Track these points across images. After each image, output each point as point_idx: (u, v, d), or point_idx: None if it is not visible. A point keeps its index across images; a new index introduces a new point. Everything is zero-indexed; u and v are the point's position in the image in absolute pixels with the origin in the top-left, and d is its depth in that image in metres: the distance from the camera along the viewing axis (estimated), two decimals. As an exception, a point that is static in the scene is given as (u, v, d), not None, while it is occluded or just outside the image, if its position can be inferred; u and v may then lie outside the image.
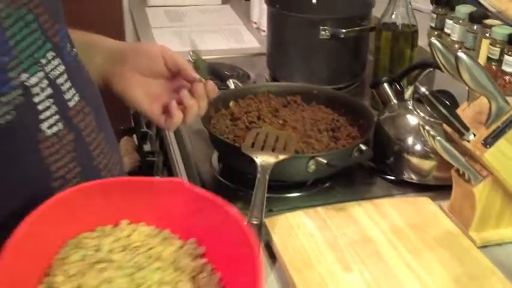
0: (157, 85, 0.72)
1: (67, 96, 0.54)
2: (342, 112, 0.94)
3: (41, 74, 0.51)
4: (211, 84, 0.71)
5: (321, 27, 1.10)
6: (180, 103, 0.69)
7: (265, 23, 1.47)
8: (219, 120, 0.92)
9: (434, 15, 1.13)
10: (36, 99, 0.51)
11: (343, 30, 1.09)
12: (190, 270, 0.49)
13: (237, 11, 1.66)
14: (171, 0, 1.68)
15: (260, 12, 1.50)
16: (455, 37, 1.07)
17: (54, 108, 0.52)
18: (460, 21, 1.05)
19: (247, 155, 0.77)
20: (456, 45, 1.07)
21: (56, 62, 0.54)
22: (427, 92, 0.78)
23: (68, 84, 0.55)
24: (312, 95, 0.99)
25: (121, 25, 1.76)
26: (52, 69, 0.53)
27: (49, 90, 0.52)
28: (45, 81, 0.52)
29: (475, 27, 1.02)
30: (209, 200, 0.53)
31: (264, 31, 1.48)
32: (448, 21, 1.09)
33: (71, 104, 0.55)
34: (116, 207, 0.52)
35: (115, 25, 1.76)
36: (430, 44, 0.68)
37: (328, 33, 1.10)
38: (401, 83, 0.91)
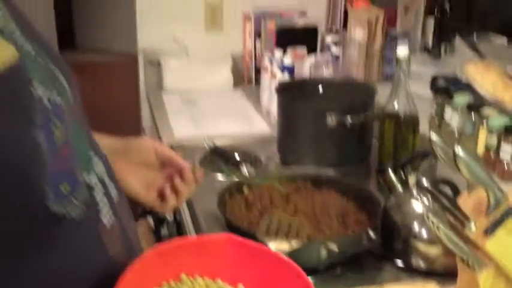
0: (151, 174, 0.80)
1: (111, 190, 0.61)
2: (351, 197, 0.99)
3: (93, 173, 0.58)
4: (200, 171, 0.80)
5: (328, 115, 1.17)
6: (172, 188, 0.78)
7: (275, 107, 1.56)
8: (234, 206, 0.98)
9: (434, 104, 1.20)
10: (96, 195, 0.57)
11: (349, 119, 1.16)
12: None
13: (248, 96, 1.75)
14: (185, 84, 1.78)
15: (270, 97, 1.59)
16: (454, 125, 1.13)
17: (107, 203, 0.58)
18: (459, 110, 1.12)
19: (262, 241, 0.81)
20: (456, 133, 1.13)
21: (96, 159, 0.60)
22: (428, 185, 0.83)
23: (108, 179, 0.61)
24: (322, 180, 1.04)
25: (138, 110, 1.85)
26: (97, 168, 0.59)
27: (100, 186, 0.58)
28: (96, 179, 0.58)
29: (473, 116, 1.08)
30: (260, 250, 0.62)
31: (273, 116, 1.56)
32: (447, 110, 1.16)
33: (114, 196, 0.61)
34: (174, 266, 0.61)
35: (132, 110, 1.85)
36: (430, 140, 0.74)
37: (334, 121, 1.17)
38: (406, 170, 0.97)
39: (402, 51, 1.06)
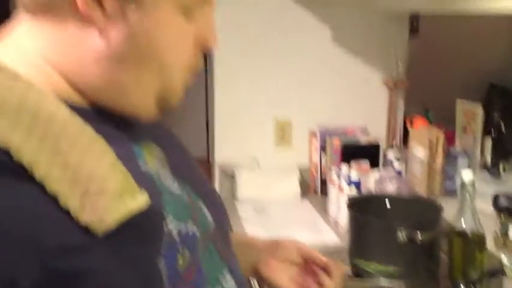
0: (295, 269, 0.90)
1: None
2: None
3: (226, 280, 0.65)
4: (343, 267, 0.92)
5: (398, 231, 1.28)
6: (318, 283, 0.87)
7: (342, 217, 1.68)
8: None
9: (498, 222, 1.29)
10: None
11: (420, 236, 1.26)
12: None
13: (315, 205, 1.88)
14: (256, 194, 1.93)
15: (338, 208, 1.71)
16: (520, 243, 1.21)
17: None
18: (523, 230, 1.20)
19: None
20: (521, 250, 1.21)
21: (228, 276, 0.66)
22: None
23: None
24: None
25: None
26: (228, 284, 0.65)
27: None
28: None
29: (537, 235, 1.17)
30: None
31: (341, 226, 1.67)
32: (511, 228, 1.24)
33: None
34: None
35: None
36: (500, 260, 0.83)
37: (405, 237, 1.27)
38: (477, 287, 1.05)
39: (467, 175, 1.17)
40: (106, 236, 0.51)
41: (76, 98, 0.57)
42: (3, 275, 0.46)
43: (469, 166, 1.67)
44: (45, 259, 0.48)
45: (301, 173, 1.99)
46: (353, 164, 1.80)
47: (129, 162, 0.56)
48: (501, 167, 1.63)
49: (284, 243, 0.92)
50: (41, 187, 0.49)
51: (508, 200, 1.37)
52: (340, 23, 2.01)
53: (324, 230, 1.68)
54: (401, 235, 1.28)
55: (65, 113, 0.53)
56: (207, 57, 4.90)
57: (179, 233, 0.58)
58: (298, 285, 0.88)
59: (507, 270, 0.80)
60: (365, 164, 1.85)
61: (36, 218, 0.48)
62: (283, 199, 1.93)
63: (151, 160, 0.63)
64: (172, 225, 0.58)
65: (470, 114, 1.78)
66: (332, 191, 1.75)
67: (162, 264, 0.55)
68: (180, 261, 0.57)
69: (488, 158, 1.71)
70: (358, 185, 1.66)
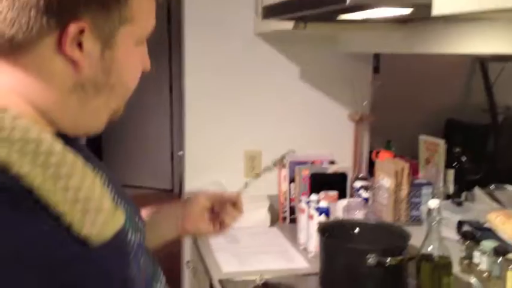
0: (209, 213, 1.09)
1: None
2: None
3: (159, 281, 0.80)
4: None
5: (369, 256, 1.32)
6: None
7: (311, 245, 1.71)
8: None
9: (464, 247, 1.35)
10: None
11: (388, 260, 1.30)
12: None
13: (284, 233, 1.90)
14: (226, 223, 1.94)
15: (307, 235, 1.74)
16: (483, 267, 1.27)
17: None
18: (486, 254, 1.26)
19: None
20: (485, 274, 1.26)
21: (159, 271, 0.82)
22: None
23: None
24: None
25: (179, 246, 1.99)
26: (162, 278, 0.81)
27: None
28: (160, 284, 0.80)
29: (499, 260, 1.23)
30: None
31: (311, 252, 1.70)
32: (476, 253, 1.30)
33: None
34: None
35: (175, 244, 1.98)
36: (472, 284, 0.88)
37: (374, 261, 1.31)
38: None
39: (434, 203, 1.23)
40: (96, 248, 0.60)
41: (48, 128, 0.66)
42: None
43: (433, 195, 1.74)
44: (53, 272, 0.56)
45: (271, 202, 2.02)
46: (321, 193, 1.85)
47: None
48: (463, 196, 1.70)
49: (193, 197, 1.10)
50: (45, 209, 0.57)
51: (471, 226, 1.43)
52: (307, 60, 2.09)
53: (295, 257, 1.70)
54: (372, 259, 1.32)
55: (60, 145, 0.61)
56: (172, 88, 4.88)
57: (134, 241, 0.73)
58: (214, 223, 1.09)
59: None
60: (333, 193, 1.90)
61: (43, 235, 0.56)
62: (253, 227, 1.95)
63: (102, 179, 0.70)
64: (131, 237, 0.72)
65: (432, 147, 1.87)
66: (302, 218, 1.78)
67: (133, 268, 0.68)
68: (141, 264, 0.72)
69: (451, 188, 1.78)
70: (327, 212, 1.70)
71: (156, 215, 1.07)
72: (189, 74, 2.03)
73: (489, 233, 1.36)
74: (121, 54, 0.67)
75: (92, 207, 0.60)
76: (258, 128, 2.08)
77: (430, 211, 1.24)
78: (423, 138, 1.93)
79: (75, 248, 0.58)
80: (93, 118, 0.70)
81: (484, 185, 1.72)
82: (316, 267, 1.51)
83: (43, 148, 0.58)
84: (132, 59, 0.70)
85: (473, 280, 0.86)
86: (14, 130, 0.58)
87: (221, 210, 1.10)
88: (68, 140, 0.66)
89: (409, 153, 2.00)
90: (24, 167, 0.56)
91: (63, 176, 0.59)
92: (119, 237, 0.64)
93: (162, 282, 0.82)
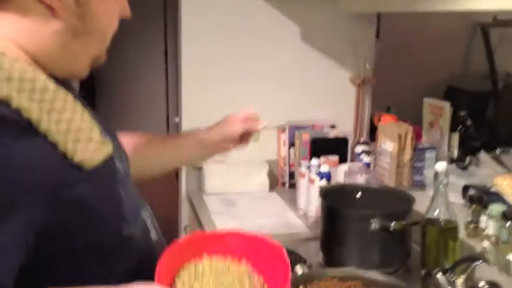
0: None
1: (154, 222, 0.92)
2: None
3: (144, 211, 0.88)
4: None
5: (372, 221, 1.28)
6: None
7: (312, 209, 1.67)
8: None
9: (470, 211, 1.31)
10: (148, 225, 0.88)
11: (392, 224, 1.26)
12: (247, 275, 0.83)
13: (284, 198, 1.87)
14: (224, 188, 1.90)
15: (307, 200, 1.70)
16: (490, 231, 1.23)
17: (152, 228, 0.89)
18: (494, 219, 1.22)
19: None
20: (492, 239, 1.23)
21: (143, 204, 0.90)
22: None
23: (150, 218, 0.91)
24: (371, 281, 1.12)
25: (177, 211, 1.96)
26: (146, 209, 0.90)
27: (150, 220, 0.89)
28: (146, 214, 0.88)
29: (507, 224, 1.19)
30: (255, 238, 0.88)
31: (311, 217, 1.67)
32: (483, 217, 1.26)
33: (155, 225, 0.91)
34: (198, 250, 0.85)
35: (172, 210, 1.95)
36: (483, 247, 0.84)
37: (377, 226, 1.27)
38: (453, 273, 1.05)
39: (441, 166, 1.18)
40: (91, 171, 0.72)
41: (40, 70, 0.73)
42: (24, 208, 0.65)
43: (437, 160, 1.70)
44: (54, 192, 0.67)
45: (270, 167, 1.97)
46: (322, 158, 1.80)
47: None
48: (468, 161, 1.66)
49: (227, 119, 1.19)
50: (44, 138, 0.67)
51: (477, 190, 1.39)
52: (308, 21, 2.01)
53: (294, 222, 1.67)
54: (375, 224, 1.28)
55: (52, 83, 0.71)
56: (167, 51, 4.76)
57: (122, 169, 0.83)
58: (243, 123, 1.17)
59: (490, 257, 0.81)
60: (334, 158, 1.86)
61: (45, 160, 0.67)
62: (252, 192, 1.91)
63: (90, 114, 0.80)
64: (118, 164, 0.81)
65: (437, 110, 1.81)
66: (302, 183, 1.74)
67: (121, 190, 0.79)
68: (128, 187, 0.82)
69: (455, 153, 1.74)
70: (328, 177, 1.65)
71: (178, 138, 1.26)
72: (185, 36, 1.95)
73: (496, 197, 1.32)
74: (96, 1, 0.75)
75: (83, 137, 0.71)
76: (257, 92, 2.01)
77: (437, 174, 1.19)
78: (428, 101, 1.87)
79: (75, 172, 0.70)
80: (73, 62, 0.77)
81: (487, 150, 1.68)
82: (316, 232, 1.48)
83: (38, 86, 0.69)
84: (108, 5, 0.77)
85: (486, 244, 0.82)
86: (12, 71, 0.67)
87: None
88: (59, 82, 0.74)
89: (409, 118, 1.95)
90: (23, 103, 0.66)
91: (56, 110, 0.69)
92: (109, 164, 0.76)
93: (147, 210, 0.90)
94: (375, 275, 1.14)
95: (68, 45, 0.74)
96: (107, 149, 0.74)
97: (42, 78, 0.69)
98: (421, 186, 1.70)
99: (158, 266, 0.77)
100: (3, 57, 0.68)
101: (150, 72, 4.92)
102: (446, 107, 1.77)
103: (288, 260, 0.82)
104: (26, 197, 0.65)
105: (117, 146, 0.87)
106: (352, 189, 1.49)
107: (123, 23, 0.83)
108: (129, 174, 0.87)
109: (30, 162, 0.65)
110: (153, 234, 0.89)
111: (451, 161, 1.73)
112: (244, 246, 0.87)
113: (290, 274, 0.79)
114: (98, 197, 0.73)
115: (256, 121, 1.19)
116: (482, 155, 1.67)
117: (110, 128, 0.87)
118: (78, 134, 0.70)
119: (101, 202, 0.73)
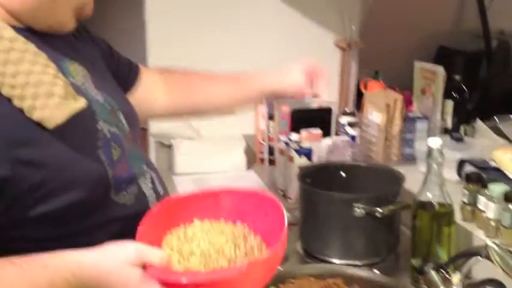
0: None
1: (159, 188, 0.91)
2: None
3: (144, 178, 0.86)
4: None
5: (355, 206, 1.12)
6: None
7: (292, 190, 1.51)
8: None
9: (466, 191, 1.15)
10: (145, 191, 0.85)
11: (379, 210, 1.11)
12: (243, 236, 0.79)
13: (262, 177, 1.70)
14: (196, 167, 1.73)
15: (286, 179, 1.54)
16: (491, 215, 1.08)
17: (153, 195, 0.87)
18: (495, 200, 1.07)
19: None
20: (493, 223, 1.07)
21: (147, 168, 0.88)
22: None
23: (157, 181, 0.91)
24: (354, 278, 0.97)
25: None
26: (148, 175, 0.87)
27: (151, 186, 0.87)
28: (148, 180, 0.87)
29: (510, 206, 1.03)
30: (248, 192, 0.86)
31: (290, 198, 1.51)
32: (481, 198, 1.10)
33: (160, 191, 0.90)
34: (188, 212, 0.83)
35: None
36: (487, 247, 0.68)
37: (363, 212, 1.12)
38: (448, 269, 0.90)
39: (435, 143, 1.02)
40: (55, 130, 0.68)
41: (15, 23, 0.73)
42: None
43: (429, 131, 1.53)
44: (11, 150, 0.64)
45: (247, 143, 1.80)
46: (303, 131, 1.63)
47: (64, 75, 0.74)
48: (462, 130, 1.49)
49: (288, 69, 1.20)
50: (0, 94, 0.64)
51: (474, 166, 1.23)
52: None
53: (272, 205, 1.51)
54: (359, 210, 1.12)
55: (10, 32, 0.69)
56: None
57: (109, 131, 0.79)
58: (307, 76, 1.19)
59: (494, 255, 0.65)
60: (316, 131, 1.68)
61: (5, 119, 0.65)
62: (228, 171, 1.74)
63: (77, 75, 0.79)
64: (103, 126, 0.78)
65: (429, 75, 1.64)
66: (280, 161, 1.57)
67: (101, 154, 0.75)
68: (114, 152, 0.78)
69: (449, 122, 1.57)
70: (309, 154, 1.49)
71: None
72: None
73: (497, 173, 1.16)
74: None
75: (42, 92, 0.67)
76: (233, 55, 1.83)
77: (430, 151, 1.03)
78: (419, 65, 1.69)
79: (36, 130, 0.66)
80: (53, 12, 0.75)
81: (482, 115, 1.51)
82: (297, 216, 1.32)
83: None
84: None
85: (488, 241, 0.67)
86: None
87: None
88: (42, 37, 0.74)
89: (398, 84, 1.78)
90: None
91: (12, 61, 0.66)
92: (83, 123, 0.73)
93: (147, 178, 0.86)
94: (357, 271, 0.99)
95: None
96: (73, 107, 0.70)
97: None
98: (412, 160, 1.54)
99: (140, 226, 0.74)
100: None
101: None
102: (439, 71, 1.59)
103: (284, 214, 0.78)
104: None
105: (115, 105, 0.84)
106: (335, 167, 1.33)
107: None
108: (129, 139, 0.84)
109: None
110: (153, 201, 0.85)
111: (445, 131, 1.56)
112: (238, 205, 0.83)
113: (286, 230, 0.75)
114: (67, 161, 0.69)
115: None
116: (479, 124, 1.50)
117: (110, 88, 0.84)
118: (37, 89, 0.66)
119: (71, 166, 0.69)
